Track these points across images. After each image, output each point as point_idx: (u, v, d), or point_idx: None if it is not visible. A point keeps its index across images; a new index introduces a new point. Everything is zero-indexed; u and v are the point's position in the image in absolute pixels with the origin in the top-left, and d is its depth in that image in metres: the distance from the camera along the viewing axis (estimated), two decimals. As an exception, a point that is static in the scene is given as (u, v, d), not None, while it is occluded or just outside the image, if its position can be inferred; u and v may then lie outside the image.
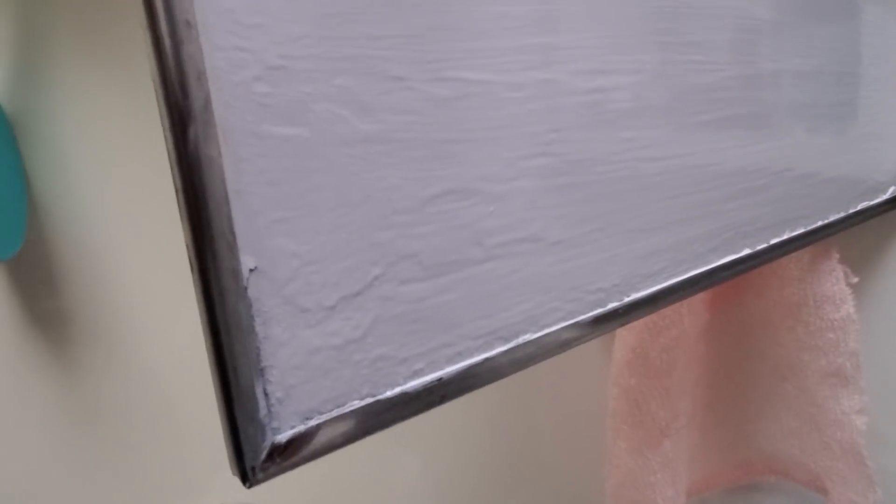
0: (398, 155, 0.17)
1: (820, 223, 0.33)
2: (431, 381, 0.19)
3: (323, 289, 0.16)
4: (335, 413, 0.17)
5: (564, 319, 0.22)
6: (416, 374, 0.18)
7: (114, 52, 0.38)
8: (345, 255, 0.16)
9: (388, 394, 0.18)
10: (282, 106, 0.15)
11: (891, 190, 0.39)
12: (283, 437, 0.15)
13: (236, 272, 0.15)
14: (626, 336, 0.33)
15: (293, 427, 0.16)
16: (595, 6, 0.21)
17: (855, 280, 0.35)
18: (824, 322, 0.35)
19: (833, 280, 0.35)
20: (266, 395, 0.15)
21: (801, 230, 0.32)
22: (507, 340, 0.20)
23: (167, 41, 0.13)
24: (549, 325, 0.22)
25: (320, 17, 0.15)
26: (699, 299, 0.36)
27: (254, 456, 0.15)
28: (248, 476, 0.15)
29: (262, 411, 0.15)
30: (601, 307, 0.23)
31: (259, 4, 0.15)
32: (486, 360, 0.20)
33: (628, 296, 0.24)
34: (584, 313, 0.23)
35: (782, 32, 0.30)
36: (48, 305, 0.39)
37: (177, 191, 0.14)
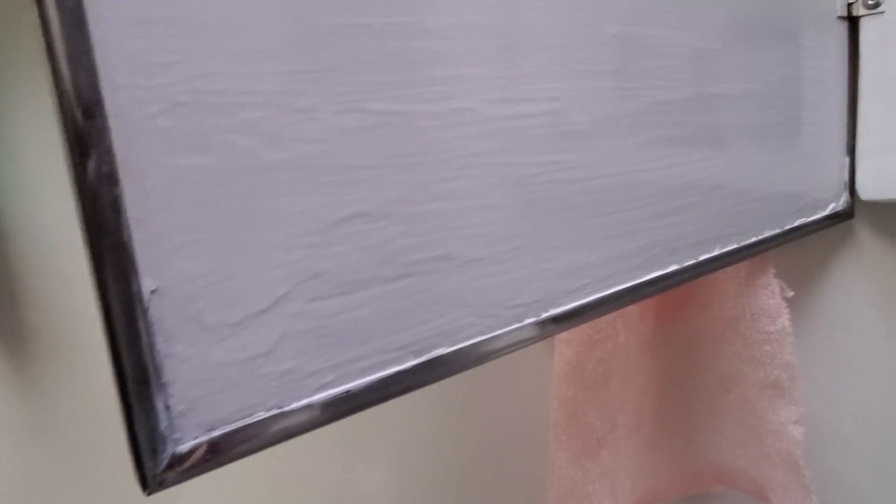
0: (306, 181, 0.18)
1: (754, 239, 0.35)
2: (340, 393, 0.19)
3: (228, 307, 0.17)
4: (240, 424, 0.18)
5: (481, 334, 0.23)
6: (325, 386, 0.19)
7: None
8: (251, 275, 0.17)
9: (296, 405, 0.19)
10: (187, 138, 0.16)
11: (830, 206, 0.40)
12: (184, 448, 0.16)
13: (137, 293, 0.15)
14: (563, 349, 0.34)
15: (196, 438, 0.17)
16: (512, 40, 0.22)
17: (790, 294, 0.37)
18: (761, 335, 0.36)
19: (769, 294, 0.36)
20: (168, 408, 0.16)
21: (733, 246, 0.33)
22: (419, 354, 0.21)
23: (68, 81, 0.14)
24: (465, 340, 0.22)
25: (231, 55, 0.16)
26: (638, 312, 0.37)
27: (154, 465, 0.16)
28: (147, 484, 0.16)
29: (164, 423, 0.16)
30: (519, 322, 0.24)
31: (167, 45, 0.16)
32: (398, 372, 0.21)
33: (548, 311, 0.25)
34: (501, 328, 0.24)
35: (716, 59, 0.31)
36: (9, 319, 0.40)
37: (79, 219, 0.15)
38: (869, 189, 0.40)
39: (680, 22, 0.29)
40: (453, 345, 0.22)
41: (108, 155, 0.15)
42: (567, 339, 0.33)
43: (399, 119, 0.20)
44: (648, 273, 0.29)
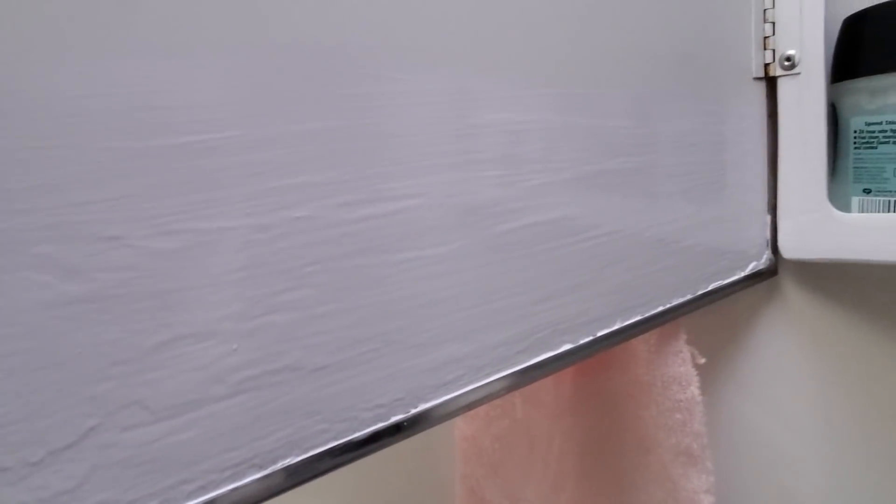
0: (115, 310, 0.18)
1: (660, 308, 0.34)
2: (166, 519, 0.19)
3: (25, 447, 0.17)
4: (44, 563, 0.17)
5: (336, 439, 0.23)
6: (148, 513, 0.19)
7: None
8: (51, 412, 0.17)
9: (113, 536, 0.18)
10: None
11: (751, 266, 0.40)
12: None
13: (-86, 444, 0.15)
14: (461, 425, 0.33)
15: (-13, 585, 0.16)
16: (366, 140, 0.22)
17: (702, 361, 0.36)
18: (671, 402, 0.35)
19: (679, 362, 0.35)
20: (-46, 557, 0.16)
21: (636, 318, 0.33)
22: (262, 468, 0.21)
23: None
24: (317, 447, 0.22)
25: (11, 193, 0.16)
26: (551, 380, 0.36)
27: None
28: None
29: (-51, 574, 0.16)
30: (382, 422, 0.24)
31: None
32: (236, 488, 0.20)
33: (416, 407, 0.25)
34: (360, 430, 0.23)
35: (616, 134, 0.31)
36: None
37: None
38: (791, 248, 0.40)
39: (570, 105, 0.29)
40: (303, 453, 0.22)
41: None
42: (465, 416, 0.33)
43: (223, 236, 0.19)
44: (536, 356, 0.29)
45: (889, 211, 0.36)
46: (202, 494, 0.20)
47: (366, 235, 0.22)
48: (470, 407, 0.26)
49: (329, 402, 0.22)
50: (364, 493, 0.46)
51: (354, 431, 0.23)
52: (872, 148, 0.37)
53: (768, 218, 0.41)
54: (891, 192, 0.36)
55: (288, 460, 0.21)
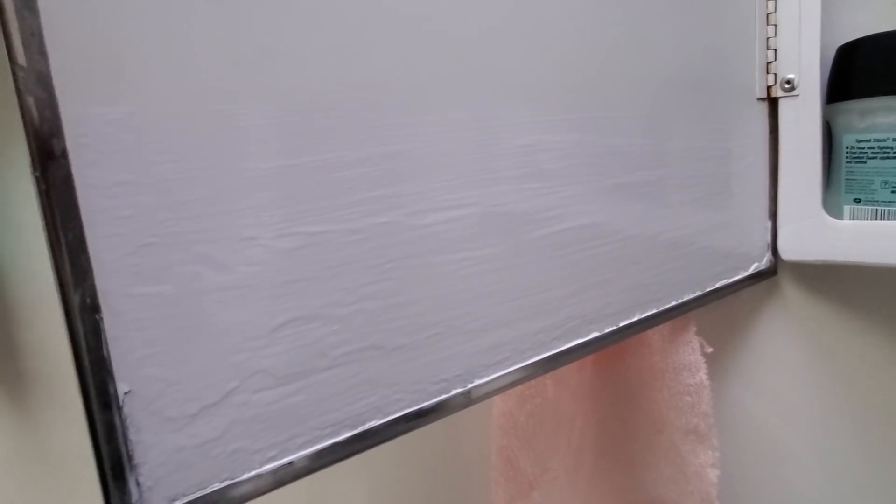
0: (249, 297, 0.22)
1: (673, 303, 0.39)
2: (283, 465, 0.24)
3: (185, 402, 0.21)
4: (198, 495, 0.22)
5: (409, 406, 0.27)
6: (270, 459, 0.24)
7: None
8: (204, 376, 0.22)
9: (245, 476, 0.23)
10: (150, 272, 0.20)
11: (753, 266, 0.45)
12: (150, 517, 0.21)
13: (114, 396, 0.20)
14: (499, 403, 0.38)
15: (160, 508, 0.21)
16: (426, 160, 0.27)
17: (709, 350, 0.41)
18: (682, 387, 0.40)
19: (689, 350, 0.40)
20: (138, 484, 0.20)
21: (652, 311, 0.38)
22: (353, 427, 0.26)
23: (62, 238, 0.19)
24: (395, 412, 0.27)
25: (181, 205, 0.21)
26: (574, 366, 0.41)
27: (125, 532, 0.20)
28: (119, 547, 0.20)
29: (135, 497, 0.20)
30: (445, 394, 0.28)
31: (129, 202, 0.20)
32: (335, 444, 0.25)
33: (471, 382, 0.29)
34: (428, 400, 0.28)
35: (633, 151, 0.36)
36: (8, 368, 0.44)
37: (68, 338, 0.19)
38: (789, 251, 0.45)
39: (594, 127, 0.33)
40: (384, 417, 0.26)
41: (91, 289, 0.19)
42: (503, 394, 0.38)
43: (328, 238, 0.24)
44: (569, 342, 0.33)
45: (876, 219, 0.41)
46: (308, 447, 0.24)
47: (432, 238, 0.27)
48: (515, 384, 0.31)
49: (404, 375, 0.27)
50: (403, 467, 0.51)
51: (424, 401, 0.28)
52: (862, 162, 0.41)
53: (769, 223, 0.45)
54: (878, 201, 0.41)
55: (373, 422, 0.26)
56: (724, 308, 0.48)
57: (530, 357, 0.31)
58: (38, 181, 0.18)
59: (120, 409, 0.20)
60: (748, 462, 0.49)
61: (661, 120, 0.37)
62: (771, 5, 0.43)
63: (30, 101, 0.18)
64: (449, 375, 0.28)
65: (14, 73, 0.17)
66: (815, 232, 0.43)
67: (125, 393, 0.20)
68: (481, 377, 0.30)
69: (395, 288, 0.26)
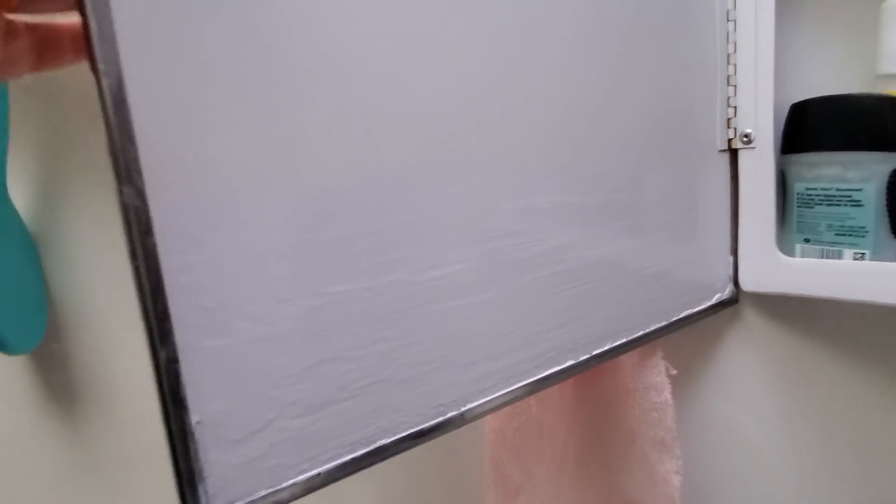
0: (285, 345, 0.29)
1: (641, 332, 0.45)
2: (312, 476, 0.30)
3: (238, 429, 0.28)
4: (248, 499, 0.28)
5: (412, 427, 0.33)
6: (302, 472, 0.30)
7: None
8: (252, 408, 0.28)
9: (283, 485, 0.29)
10: (213, 329, 0.27)
11: (716, 297, 0.51)
12: (213, 517, 0.27)
13: (188, 425, 0.26)
14: (491, 421, 0.44)
15: (220, 510, 0.27)
16: (428, 227, 0.33)
17: (674, 372, 0.47)
18: (649, 404, 0.46)
19: (656, 373, 0.46)
20: (206, 492, 0.27)
21: (622, 340, 0.44)
22: (367, 445, 0.32)
23: (152, 315, 0.25)
24: (401, 433, 0.33)
25: (234, 278, 0.27)
26: (556, 387, 0.47)
27: (196, 529, 0.26)
28: (192, 540, 0.26)
29: (203, 502, 0.27)
30: (443, 416, 0.35)
31: (199, 275, 0.26)
32: (353, 458, 0.31)
33: (465, 406, 0.36)
34: (428, 422, 0.34)
35: (611, 207, 0.42)
36: (61, 384, 0.51)
37: (155, 381, 0.25)
38: (748, 283, 0.51)
39: (576, 187, 0.39)
40: (392, 437, 0.33)
41: (172, 346, 0.26)
42: (493, 413, 0.44)
43: (347, 296, 0.30)
44: (549, 369, 0.39)
45: (822, 257, 0.47)
46: (332, 462, 0.31)
47: (433, 290, 0.33)
48: (502, 406, 0.37)
49: (408, 402, 0.33)
50: (405, 480, 0.57)
51: (425, 423, 0.34)
52: (810, 207, 0.47)
53: (731, 259, 0.51)
54: (824, 242, 0.47)
55: (383, 441, 0.32)
56: (692, 332, 0.54)
57: (515, 383, 0.38)
58: (135, 267, 0.24)
59: (192, 434, 0.26)
60: (712, 470, 0.55)
61: (636, 176, 0.43)
62: (731, 68, 0.49)
63: (130, 211, 0.24)
64: (446, 401, 0.35)
65: (119, 191, 0.24)
66: (771, 267, 0.49)
67: (196, 422, 0.26)
68: (473, 401, 0.36)
69: (401, 333, 0.32)
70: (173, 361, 0.26)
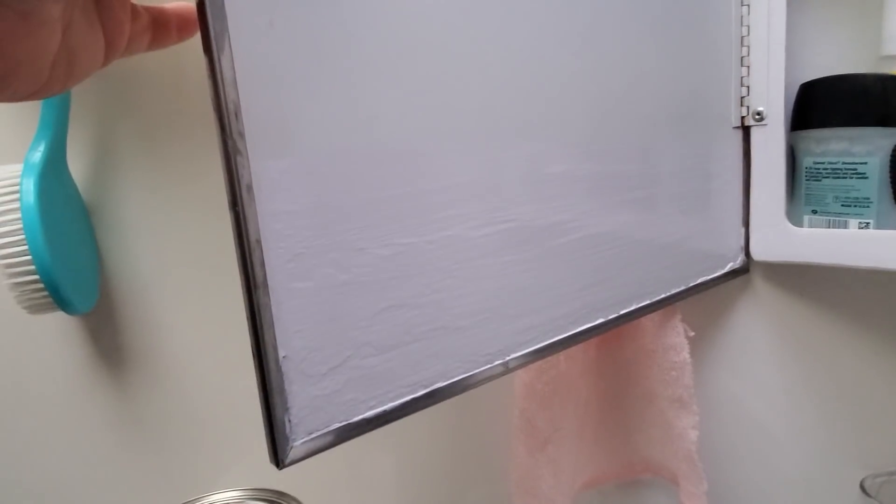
0: (360, 290, 0.31)
1: (663, 295, 0.48)
2: (379, 412, 0.33)
3: (319, 364, 0.30)
4: (325, 430, 0.31)
5: (465, 372, 0.36)
6: (371, 407, 0.33)
7: (174, 153, 0.52)
8: (332, 346, 0.31)
9: (355, 419, 0.32)
10: (300, 272, 0.29)
11: (728, 265, 0.54)
12: (297, 443, 0.30)
13: (276, 359, 0.29)
14: (521, 374, 0.47)
15: (303, 438, 0.30)
16: (482, 187, 0.36)
17: (692, 334, 0.50)
18: (669, 364, 0.49)
19: (675, 334, 0.49)
20: (289, 421, 0.29)
21: (646, 302, 0.47)
22: (426, 387, 0.35)
23: (248, 249, 0.27)
24: (455, 377, 0.36)
25: (320, 226, 0.30)
26: (582, 346, 0.50)
27: (283, 453, 0.29)
28: (279, 464, 0.29)
29: (287, 429, 0.29)
30: (489, 364, 0.37)
31: (290, 223, 0.29)
32: (413, 398, 0.34)
33: (509, 356, 0.38)
34: (477, 368, 0.37)
35: (626, 174, 0.45)
36: (113, 344, 0.53)
37: (248, 319, 0.28)
38: (759, 252, 0.54)
39: (602, 157, 0.42)
40: (447, 380, 0.36)
41: (265, 286, 0.28)
42: (524, 367, 0.47)
43: (412, 247, 0.33)
44: (580, 325, 0.42)
45: (829, 227, 0.50)
46: (397, 400, 0.33)
47: (485, 246, 0.36)
48: (539, 358, 0.40)
49: (462, 350, 0.36)
50: (436, 435, 0.60)
51: (475, 369, 0.37)
52: (818, 181, 0.51)
53: (742, 230, 0.54)
54: (830, 213, 0.50)
55: (439, 384, 0.35)
56: (706, 299, 0.57)
57: (552, 337, 0.41)
58: (236, 213, 0.27)
59: (279, 368, 0.29)
60: (723, 431, 0.58)
61: (654, 148, 0.46)
62: (745, 50, 0.52)
63: (234, 158, 0.26)
64: (493, 350, 0.37)
65: (224, 141, 0.26)
66: (780, 237, 0.52)
67: (283, 357, 0.29)
68: (516, 352, 0.39)
69: (457, 284, 0.35)
70: (266, 301, 0.28)
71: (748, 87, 0.52)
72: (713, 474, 0.52)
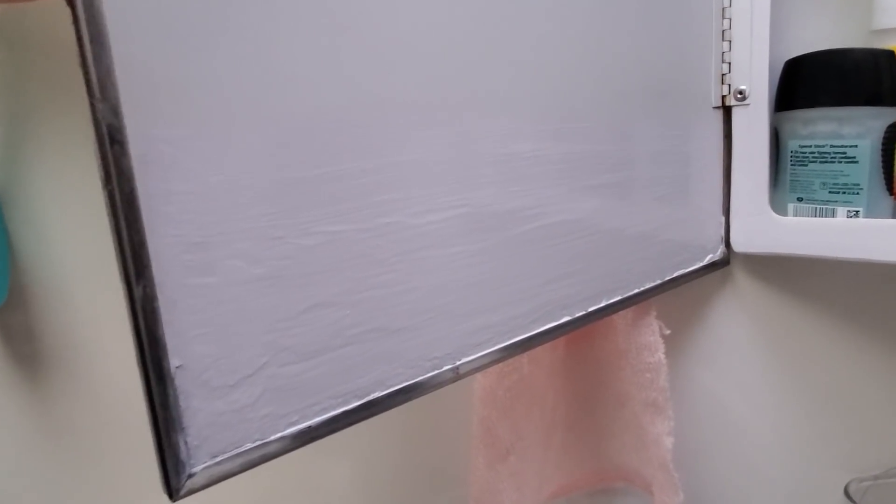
0: (279, 286, 0.26)
1: (636, 290, 0.44)
2: (303, 428, 0.28)
3: (227, 374, 0.25)
4: (234, 452, 0.26)
5: (407, 380, 0.32)
6: (292, 423, 0.28)
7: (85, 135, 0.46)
8: (242, 352, 0.26)
9: (272, 437, 0.27)
10: (199, 266, 0.24)
11: (708, 257, 0.50)
12: (197, 469, 0.25)
13: (167, 369, 0.24)
14: (480, 379, 0.43)
15: (204, 462, 0.25)
16: (424, 169, 0.31)
17: (667, 332, 0.46)
18: (643, 364, 0.45)
19: (650, 332, 0.45)
20: (186, 443, 0.25)
21: (617, 298, 0.43)
22: (360, 398, 0.30)
23: (126, 244, 0.22)
24: (395, 385, 0.31)
25: (224, 210, 0.25)
26: (549, 345, 0.46)
27: (177, 481, 0.24)
28: (172, 495, 0.24)
29: (183, 454, 0.25)
30: (437, 369, 0.33)
31: (185, 206, 0.24)
32: (345, 411, 0.29)
33: (460, 360, 0.34)
34: (423, 375, 0.32)
35: (598, 155, 0.40)
36: (25, 347, 0.48)
37: (131, 322, 0.23)
38: (740, 243, 0.50)
39: (568, 137, 0.38)
40: (386, 389, 0.31)
41: (150, 282, 0.23)
42: (483, 371, 0.42)
43: (342, 236, 0.28)
44: (544, 325, 0.38)
45: (815, 216, 0.46)
46: (324, 414, 0.29)
47: (430, 235, 0.31)
48: (497, 361, 0.36)
49: (403, 354, 0.31)
50: (387, 442, 0.55)
51: (419, 375, 0.32)
52: (804, 165, 0.47)
53: (722, 219, 0.50)
54: (817, 200, 0.46)
55: (376, 394, 0.31)
56: (683, 294, 0.53)
57: (510, 338, 0.36)
58: (110, 193, 0.22)
59: (172, 380, 0.24)
60: (703, 432, 0.54)
61: (628, 128, 0.42)
62: (726, 23, 0.48)
63: (104, 127, 0.21)
64: (441, 354, 0.33)
65: (92, 105, 0.21)
66: (763, 227, 0.48)
67: (177, 367, 0.24)
68: (468, 355, 0.34)
69: (398, 278, 0.30)
70: (151, 298, 0.23)
71: (729, 63, 0.48)
72: (690, 480, 0.48)
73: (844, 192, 0.45)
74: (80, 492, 0.53)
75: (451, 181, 0.32)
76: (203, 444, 0.25)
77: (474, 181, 0.33)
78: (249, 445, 0.27)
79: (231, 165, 0.25)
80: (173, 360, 0.24)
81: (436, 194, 0.31)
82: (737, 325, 0.53)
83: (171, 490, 0.24)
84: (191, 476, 0.25)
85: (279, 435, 0.27)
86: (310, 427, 0.28)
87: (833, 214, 0.46)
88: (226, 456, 0.26)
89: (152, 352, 0.23)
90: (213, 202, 0.24)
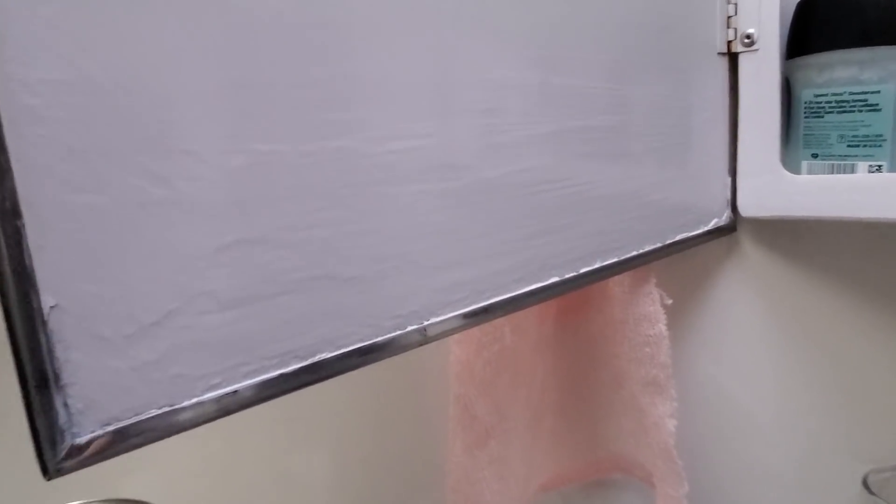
0: (191, 214, 0.21)
1: (634, 253, 0.39)
2: (227, 393, 0.23)
3: (122, 322, 0.20)
4: (133, 420, 0.21)
5: (362, 341, 0.26)
6: (213, 387, 0.22)
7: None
8: (142, 294, 0.20)
9: (186, 404, 0.22)
10: (82, 180, 0.19)
11: (713, 222, 0.45)
12: (82, 440, 0.19)
13: (37, 309, 0.18)
14: (456, 350, 0.37)
15: (93, 432, 0.20)
16: (383, 86, 0.26)
17: (669, 302, 0.41)
18: (642, 338, 0.40)
19: (650, 301, 0.40)
20: (66, 406, 0.19)
21: (613, 260, 0.37)
22: (303, 359, 0.25)
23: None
24: (347, 346, 0.26)
25: (116, 109, 0.19)
26: (535, 315, 0.40)
27: (53, 455, 0.19)
28: (47, 470, 0.19)
29: (63, 419, 0.19)
30: (400, 329, 0.28)
31: (60, 99, 0.19)
32: (283, 374, 0.24)
33: (427, 320, 0.29)
34: (381, 335, 0.27)
35: (597, 95, 0.35)
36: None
37: (-12, 248, 0.18)
38: (748, 207, 0.45)
39: (559, 66, 0.33)
40: (336, 350, 0.26)
41: (11, 192, 0.18)
42: (459, 341, 0.37)
43: (279, 158, 0.23)
44: (529, 285, 0.33)
45: (833, 173, 0.41)
46: (255, 376, 0.23)
47: (389, 167, 0.26)
48: (471, 325, 0.30)
49: (357, 309, 0.26)
50: (359, 413, 0.50)
51: (378, 336, 0.27)
52: (820, 117, 0.42)
53: (728, 179, 0.45)
54: (834, 156, 0.41)
55: (323, 355, 0.25)
56: (684, 262, 0.48)
57: (489, 298, 0.31)
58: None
59: (45, 323, 0.19)
60: (705, 419, 0.49)
61: (624, 65, 0.37)
62: (733, -42, 0.43)
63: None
64: (405, 311, 0.28)
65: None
66: (774, 187, 0.43)
67: (51, 307, 0.19)
68: (438, 315, 0.29)
69: (350, 216, 0.25)
70: (12, 215, 0.18)
71: (735, 4, 0.43)
72: (692, 472, 0.43)
73: (865, 145, 0.40)
74: None
75: (419, 105, 0.27)
76: (89, 409, 0.20)
77: (446, 108, 0.28)
78: (154, 412, 0.21)
79: (121, 54, 0.19)
80: (45, 298, 0.19)
81: (398, 118, 0.26)
82: (743, 297, 0.48)
83: (46, 465, 0.19)
84: (74, 448, 0.19)
85: (195, 400, 0.22)
86: (236, 392, 0.23)
87: (853, 170, 0.41)
88: (122, 424, 0.20)
89: (17, 285, 0.18)
90: (100, 98, 0.19)
